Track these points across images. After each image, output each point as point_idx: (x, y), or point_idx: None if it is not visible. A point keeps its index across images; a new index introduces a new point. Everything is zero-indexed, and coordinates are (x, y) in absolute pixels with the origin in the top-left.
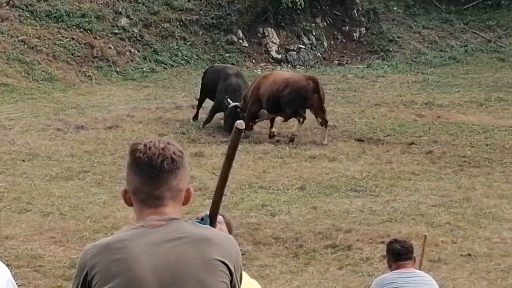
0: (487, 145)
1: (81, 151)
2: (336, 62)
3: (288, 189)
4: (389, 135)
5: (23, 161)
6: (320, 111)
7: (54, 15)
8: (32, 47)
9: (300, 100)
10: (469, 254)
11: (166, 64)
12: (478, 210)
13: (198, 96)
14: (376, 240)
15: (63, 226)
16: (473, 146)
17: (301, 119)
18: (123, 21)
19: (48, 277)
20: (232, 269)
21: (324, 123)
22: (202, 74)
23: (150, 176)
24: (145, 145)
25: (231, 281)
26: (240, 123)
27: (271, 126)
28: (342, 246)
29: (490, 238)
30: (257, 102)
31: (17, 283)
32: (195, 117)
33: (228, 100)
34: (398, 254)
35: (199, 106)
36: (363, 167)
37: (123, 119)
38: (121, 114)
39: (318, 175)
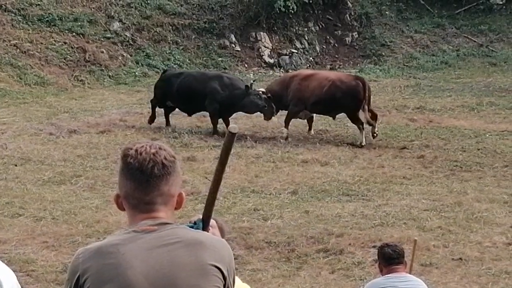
0: (478, 149)
1: (73, 155)
2: (329, 66)
3: (280, 194)
4: (381, 140)
5: (15, 165)
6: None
7: (47, 19)
8: (25, 51)
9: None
10: (461, 258)
11: (158, 68)
12: (469, 214)
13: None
14: (368, 244)
15: (55, 231)
16: (464, 151)
17: (361, 125)
18: (116, 25)
19: (40, 281)
20: (226, 273)
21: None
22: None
23: (141, 182)
24: (136, 150)
25: (224, 285)
26: (233, 127)
27: (310, 128)
28: (334, 250)
29: (481, 242)
30: (300, 103)
31: None
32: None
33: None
34: (390, 258)
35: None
36: (355, 171)
37: (115, 123)
38: (113, 118)
39: (310, 179)
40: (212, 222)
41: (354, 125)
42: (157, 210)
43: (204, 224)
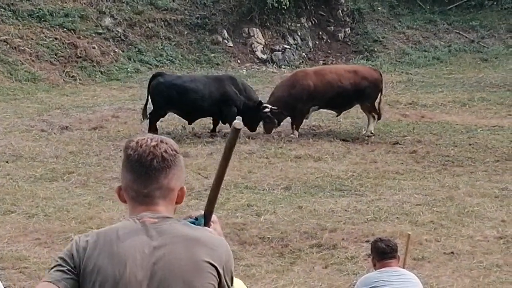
0: (470, 144)
1: (65, 152)
2: (321, 62)
3: (273, 189)
4: (374, 135)
5: (7, 162)
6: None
7: (37, 14)
8: (15, 47)
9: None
10: (452, 252)
11: (151, 64)
12: (461, 208)
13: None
14: (361, 239)
15: (48, 228)
16: (456, 146)
17: (375, 115)
18: (107, 20)
19: (33, 278)
20: (221, 271)
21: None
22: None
23: (140, 174)
24: (137, 142)
25: (219, 284)
26: (237, 123)
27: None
28: (327, 245)
29: (473, 236)
30: (310, 100)
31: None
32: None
33: (266, 105)
34: (383, 253)
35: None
36: (348, 166)
37: (108, 119)
38: (105, 114)
39: (304, 175)
40: (214, 217)
41: (346, 120)
42: (156, 204)
43: (205, 220)
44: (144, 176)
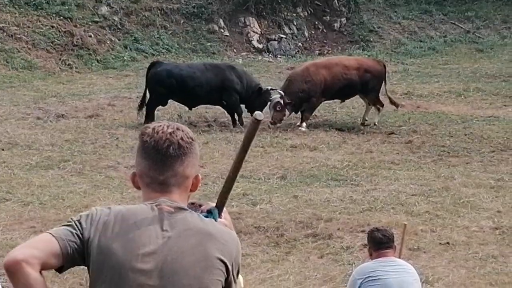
0: (465, 135)
1: (61, 140)
2: (317, 52)
3: (269, 178)
4: (369, 125)
5: (2, 150)
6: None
7: (34, 2)
8: (11, 35)
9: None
10: (448, 243)
11: (147, 53)
12: (456, 199)
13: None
14: (357, 229)
15: (43, 216)
16: (452, 136)
17: (380, 106)
18: (104, 9)
19: None
20: (230, 267)
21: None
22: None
23: (155, 161)
24: (153, 129)
25: (226, 279)
26: (258, 114)
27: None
28: (322, 235)
29: (469, 227)
30: (323, 94)
31: None
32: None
33: (272, 91)
34: (379, 242)
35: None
36: (344, 156)
37: (103, 108)
38: (101, 103)
39: (299, 164)
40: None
41: (342, 110)
42: (170, 191)
43: (219, 211)
44: (160, 163)
